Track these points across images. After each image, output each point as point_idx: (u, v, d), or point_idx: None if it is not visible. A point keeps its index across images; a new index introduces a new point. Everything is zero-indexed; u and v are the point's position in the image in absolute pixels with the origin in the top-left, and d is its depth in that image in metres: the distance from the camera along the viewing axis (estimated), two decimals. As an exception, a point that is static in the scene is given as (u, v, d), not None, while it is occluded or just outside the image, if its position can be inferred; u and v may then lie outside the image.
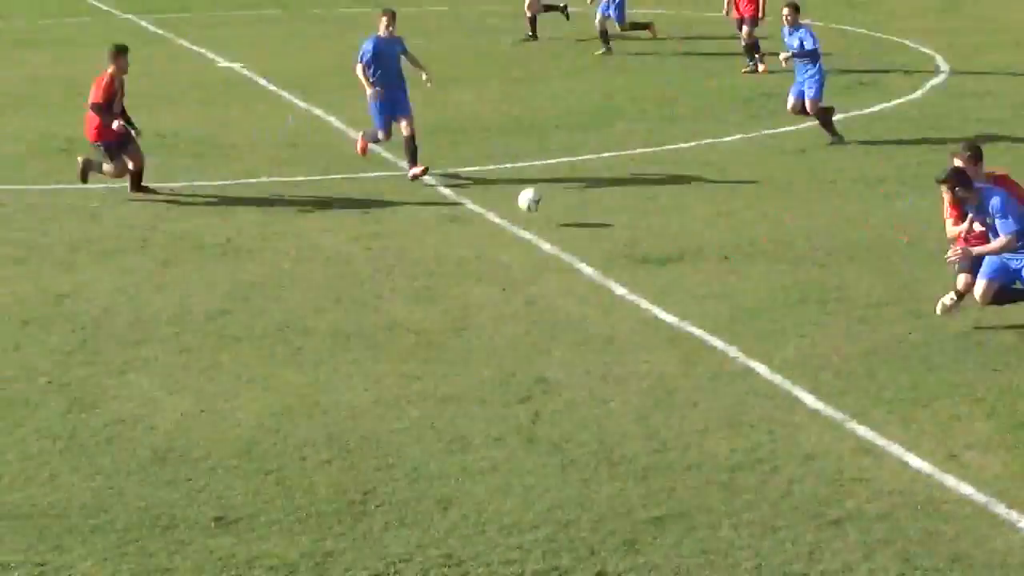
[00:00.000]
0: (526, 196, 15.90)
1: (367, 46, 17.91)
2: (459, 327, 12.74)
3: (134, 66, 17.79)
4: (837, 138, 19.37)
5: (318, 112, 22.05)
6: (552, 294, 13.64)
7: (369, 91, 17.76)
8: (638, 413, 10.77)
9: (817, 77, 19.47)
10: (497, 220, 16.17)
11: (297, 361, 11.99)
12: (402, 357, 12.01)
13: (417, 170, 17.70)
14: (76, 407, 11.04)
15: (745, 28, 25.01)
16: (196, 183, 18.01)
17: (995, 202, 12.15)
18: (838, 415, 10.67)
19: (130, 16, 32.92)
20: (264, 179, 18.21)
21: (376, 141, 18.37)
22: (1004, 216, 12.09)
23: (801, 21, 20.05)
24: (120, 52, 17.22)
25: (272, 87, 24.25)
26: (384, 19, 18.03)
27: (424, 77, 18.29)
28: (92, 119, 17.07)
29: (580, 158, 19.09)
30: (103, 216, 16.59)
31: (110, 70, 17.11)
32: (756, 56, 24.78)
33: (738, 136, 20.10)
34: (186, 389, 11.39)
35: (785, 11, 19.80)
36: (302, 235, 15.70)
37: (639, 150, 19.49)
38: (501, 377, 11.53)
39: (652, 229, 15.71)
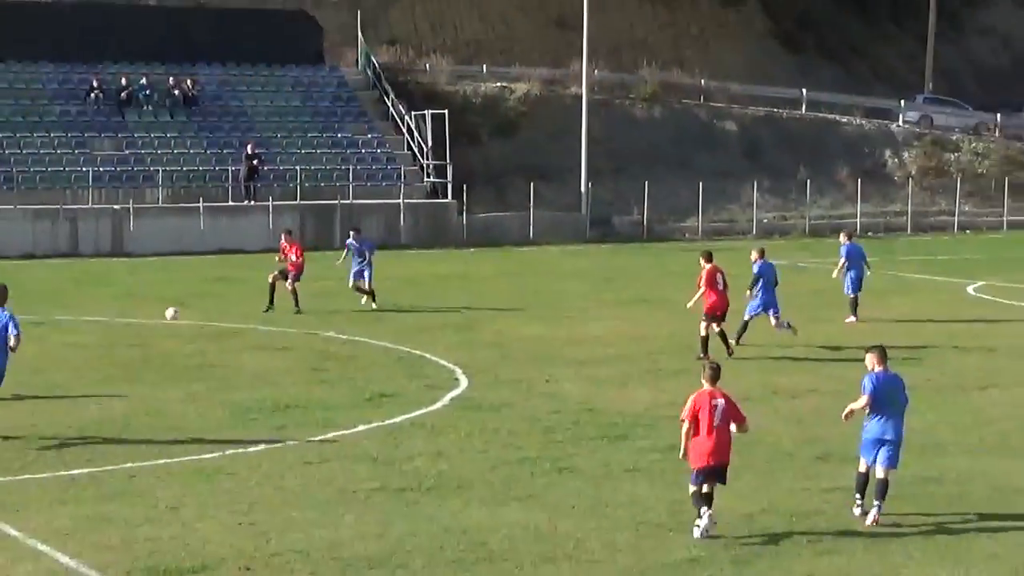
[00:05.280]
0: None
1: None
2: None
3: None
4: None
5: None
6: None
7: None
8: None
9: None
10: (13, 532, 15.75)
11: None
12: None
13: None
14: None
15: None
16: None
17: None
18: None
19: None
20: None
21: None
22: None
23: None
24: None
25: None
26: None
27: None
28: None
29: (101, 469, 18.85)
30: None
31: None
32: None
33: (262, 447, 20.29)
34: None
35: None
36: None
37: (162, 461, 19.40)
38: None
39: (175, 540, 15.61)
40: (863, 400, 16.56)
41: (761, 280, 29.98)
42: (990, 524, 16.38)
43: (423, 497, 17.56)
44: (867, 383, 16.57)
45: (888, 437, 16.43)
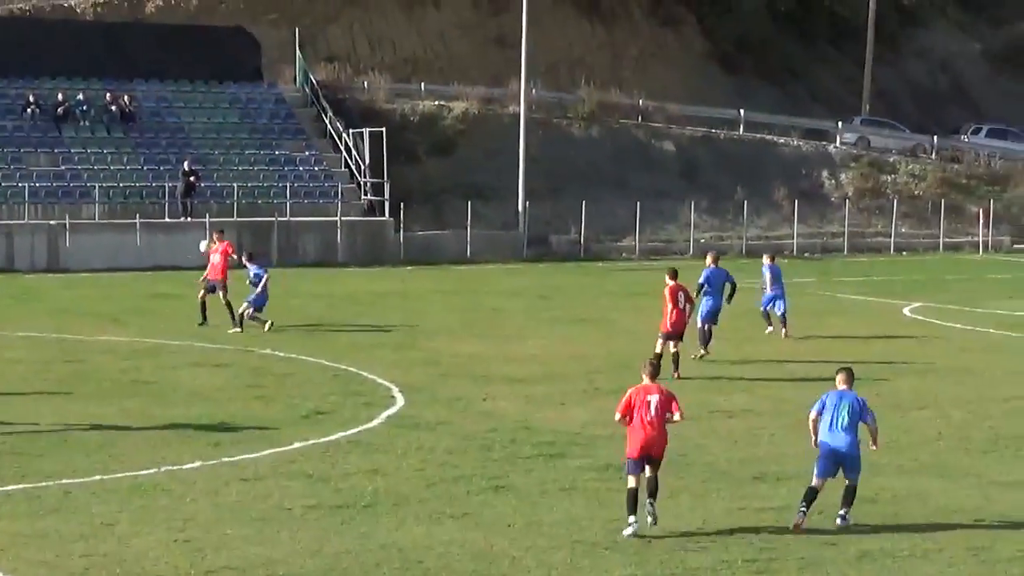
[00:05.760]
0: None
1: None
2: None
3: None
4: None
5: None
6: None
7: None
8: None
9: None
10: (-55, 549, 15.64)
11: None
12: None
13: None
14: None
15: None
16: None
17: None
18: None
19: None
20: None
21: None
22: None
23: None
24: None
25: None
26: None
27: None
28: None
29: (35, 485, 18.71)
30: None
31: None
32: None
33: (198, 463, 20.20)
34: None
35: None
36: None
37: (97, 477, 19.28)
38: None
39: (110, 556, 15.52)
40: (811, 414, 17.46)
41: (707, 286, 30.31)
42: (925, 545, 16.50)
43: (359, 515, 17.53)
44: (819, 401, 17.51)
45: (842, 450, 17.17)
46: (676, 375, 27.58)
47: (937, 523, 17.46)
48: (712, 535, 16.70)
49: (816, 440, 17.37)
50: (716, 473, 19.97)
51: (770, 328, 34.39)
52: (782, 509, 17.74)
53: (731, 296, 31.07)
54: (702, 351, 30.01)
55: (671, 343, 28.12)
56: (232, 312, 34.69)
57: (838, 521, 17.12)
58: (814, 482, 17.15)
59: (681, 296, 28.30)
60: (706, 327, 30.48)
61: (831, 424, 17.19)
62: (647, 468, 16.80)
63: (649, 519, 16.65)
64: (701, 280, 30.65)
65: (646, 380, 17.23)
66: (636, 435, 16.82)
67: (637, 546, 16.21)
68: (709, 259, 31.41)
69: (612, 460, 20.46)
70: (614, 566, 15.50)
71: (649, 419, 16.82)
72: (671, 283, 28.41)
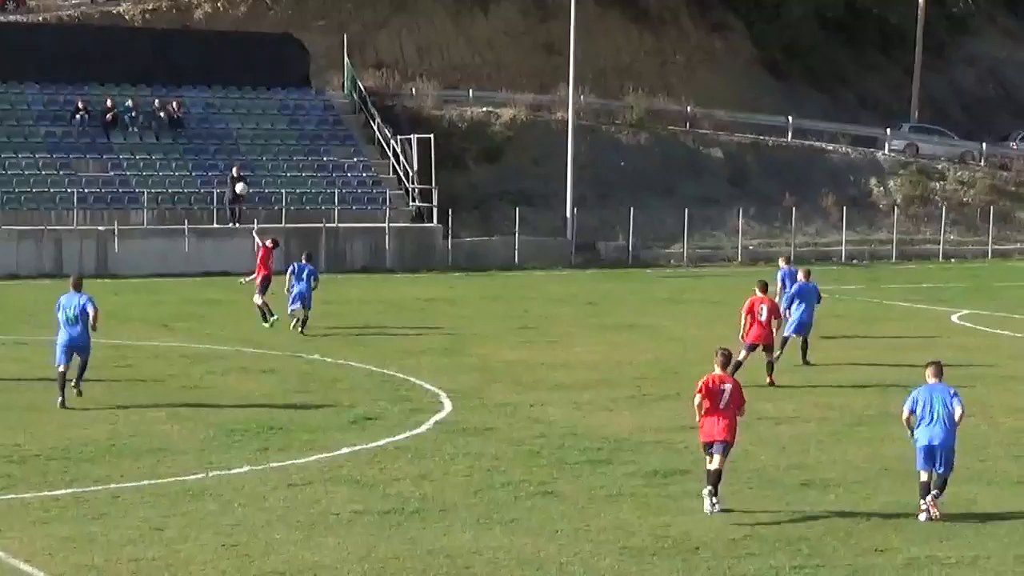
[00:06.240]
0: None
1: None
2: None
3: None
4: None
5: None
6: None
7: None
8: None
9: None
10: (-4, 552, 15.78)
11: None
12: None
13: None
14: None
15: None
16: None
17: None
18: None
19: None
20: None
21: None
22: None
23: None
24: None
25: None
26: None
27: None
28: None
29: (85, 489, 18.82)
30: None
31: None
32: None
33: (246, 468, 20.27)
34: None
35: None
36: None
37: (145, 481, 19.37)
38: None
39: (158, 561, 15.58)
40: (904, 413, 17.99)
41: (797, 299, 30.86)
42: (973, 553, 16.39)
43: (406, 520, 17.55)
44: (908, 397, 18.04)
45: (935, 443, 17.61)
46: (769, 381, 27.84)
47: (986, 531, 17.36)
48: (760, 541, 16.65)
49: (913, 436, 17.79)
50: (764, 480, 19.90)
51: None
52: (830, 516, 17.67)
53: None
54: (777, 353, 29.79)
55: (764, 354, 28.29)
56: (266, 310, 36.31)
57: (928, 500, 17.53)
58: (922, 477, 17.68)
59: (763, 308, 28.30)
60: (797, 338, 30.79)
61: (926, 420, 17.60)
62: (715, 457, 17.72)
63: (708, 507, 17.65)
64: (791, 293, 30.99)
65: (717, 370, 18.04)
66: (708, 422, 17.86)
67: (684, 552, 16.18)
68: (800, 274, 31.99)
69: (659, 466, 20.45)
70: (662, 572, 15.47)
71: (720, 407, 17.76)
72: (755, 295, 28.53)
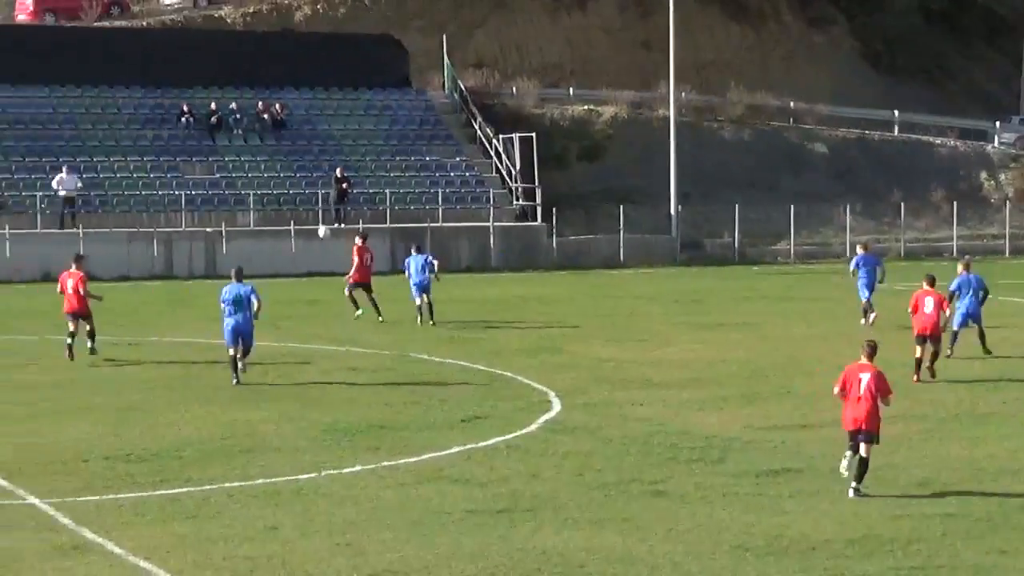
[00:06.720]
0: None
1: None
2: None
3: None
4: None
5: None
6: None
7: None
8: None
9: None
10: (116, 549, 15.87)
11: None
12: None
13: None
14: None
15: None
16: None
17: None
18: None
19: None
20: None
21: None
22: None
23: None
24: None
25: None
26: None
27: None
28: None
29: (200, 488, 18.96)
30: None
31: None
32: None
33: (358, 468, 20.32)
34: None
35: None
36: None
37: (259, 480, 19.50)
38: None
39: (274, 559, 15.66)
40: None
41: (959, 292, 30.83)
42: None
43: (519, 520, 17.49)
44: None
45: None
46: (916, 378, 27.72)
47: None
48: (877, 541, 16.42)
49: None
50: (878, 479, 19.62)
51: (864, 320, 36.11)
52: (948, 516, 17.40)
53: (983, 300, 31.38)
54: (948, 351, 30.01)
55: (928, 345, 28.27)
56: (377, 308, 37.33)
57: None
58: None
59: (928, 301, 28.25)
60: (969, 330, 30.99)
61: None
62: (861, 447, 18.17)
63: (851, 492, 18.24)
64: (953, 287, 31.01)
65: (863, 359, 18.55)
66: (847, 410, 18.39)
67: (801, 551, 16.00)
68: (960, 267, 31.86)
69: (771, 465, 20.26)
70: (778, 572, 15.30)
71: (858, 395, 18.22)
72: (922, 288, 28.58)
